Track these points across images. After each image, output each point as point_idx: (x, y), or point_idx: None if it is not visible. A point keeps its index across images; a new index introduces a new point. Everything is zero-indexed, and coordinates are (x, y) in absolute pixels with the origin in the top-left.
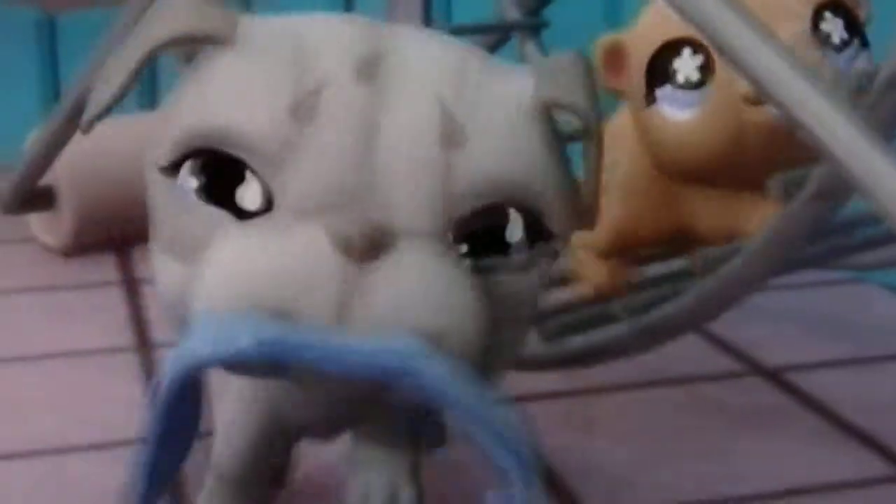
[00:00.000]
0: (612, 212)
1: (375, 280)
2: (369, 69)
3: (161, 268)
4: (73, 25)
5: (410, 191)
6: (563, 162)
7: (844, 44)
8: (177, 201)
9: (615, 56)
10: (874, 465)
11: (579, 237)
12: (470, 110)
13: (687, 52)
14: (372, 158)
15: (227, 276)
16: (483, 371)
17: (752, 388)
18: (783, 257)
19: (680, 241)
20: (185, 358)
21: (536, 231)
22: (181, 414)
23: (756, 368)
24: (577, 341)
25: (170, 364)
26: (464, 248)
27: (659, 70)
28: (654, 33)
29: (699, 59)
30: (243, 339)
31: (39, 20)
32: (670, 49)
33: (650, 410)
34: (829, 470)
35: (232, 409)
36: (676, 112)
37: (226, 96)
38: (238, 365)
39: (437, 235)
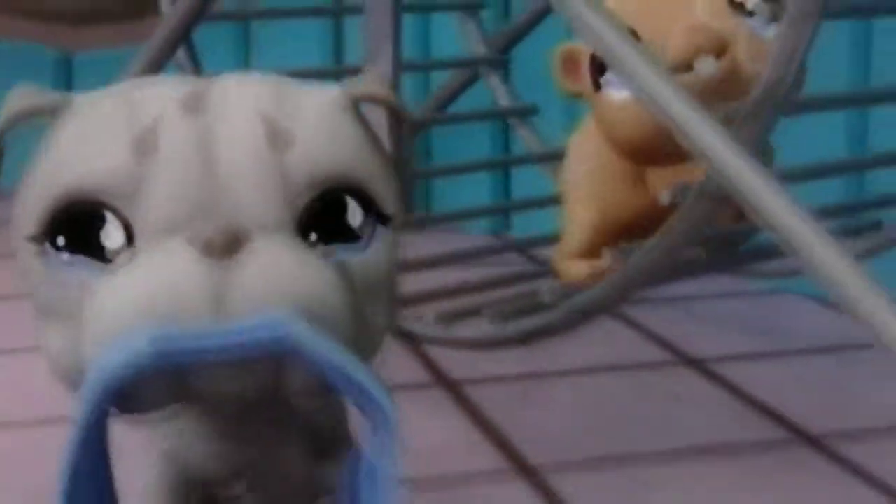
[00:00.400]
0: (586, 210)
1: (240, 272)
2: (194, 104)
3: (47, 335)
4: (88, 63)
5: (253, 191)
6: (381, 150)
7: (757, 10)
8: (50, 266)
9: (570, 61)
10: (775, 431)
11: (560, 244)
12: (291, 116)
13: None
14: (213, 173)
15: (110, 310)
16: (355, 350)
17: (680, 374)
18: (680, 250)
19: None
20: (93, 383)
21: (375, 214)
22: (96, 456)
23: (685, 359)
24: (521, 324)
25: (81, 398)
26: (313, 236)
27: (600, 60)
28: None
29: None
30: (139, 343)
31: (57, 57)
32: None
33: (597, 392)
34: (738, 434)
35: (146, 471)
36: (617, 93)
37: (75, 153)
38: (140, 377)
39: (286, 227)
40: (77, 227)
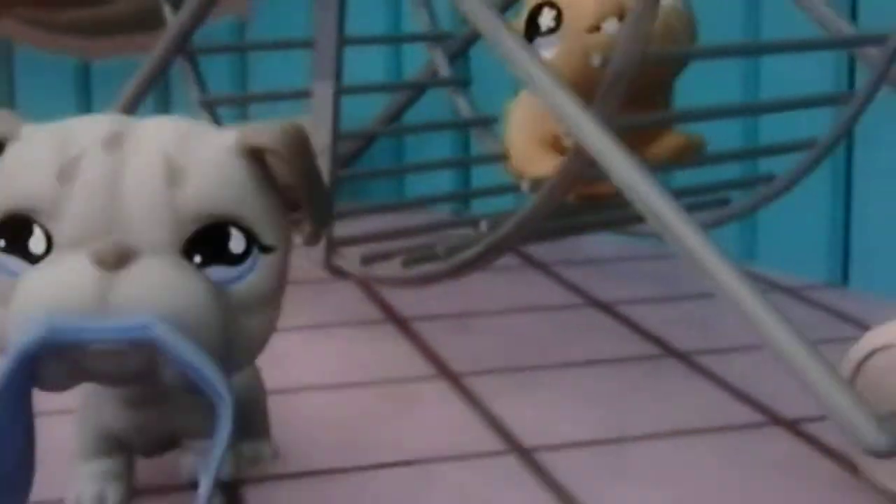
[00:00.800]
0: (525, 138)
1: (125, 281)
2: (114, 143)
3: None
4: (105, 70)
5: (146, 218)
6: (270, 191)
7: None
8: None
9: None
10: (652, 349)
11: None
12: (189, 157)
13: (546, 10)
14: (118, 201)
15: (22, 300)
16: (227, 356)
17: (588, 314)
18: (550, 210)
19: None
20: (7, 356)
21: (256, 245)
22: (14, 417)
23: (593, 302)
24: (422, 269)
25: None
26: (198, 259)
27: (531, 29)
28: (528, 5)
29: (553, 13)
30: (36, 331)
31: (77, 65)
32: (535, 11)
33: (518, 325)
34: (622, 352)
35: (76, 429)
36: (546, 53)
37: (14, 176)
38: (39, 356)
39: (172, 249)
40: (13, 234)
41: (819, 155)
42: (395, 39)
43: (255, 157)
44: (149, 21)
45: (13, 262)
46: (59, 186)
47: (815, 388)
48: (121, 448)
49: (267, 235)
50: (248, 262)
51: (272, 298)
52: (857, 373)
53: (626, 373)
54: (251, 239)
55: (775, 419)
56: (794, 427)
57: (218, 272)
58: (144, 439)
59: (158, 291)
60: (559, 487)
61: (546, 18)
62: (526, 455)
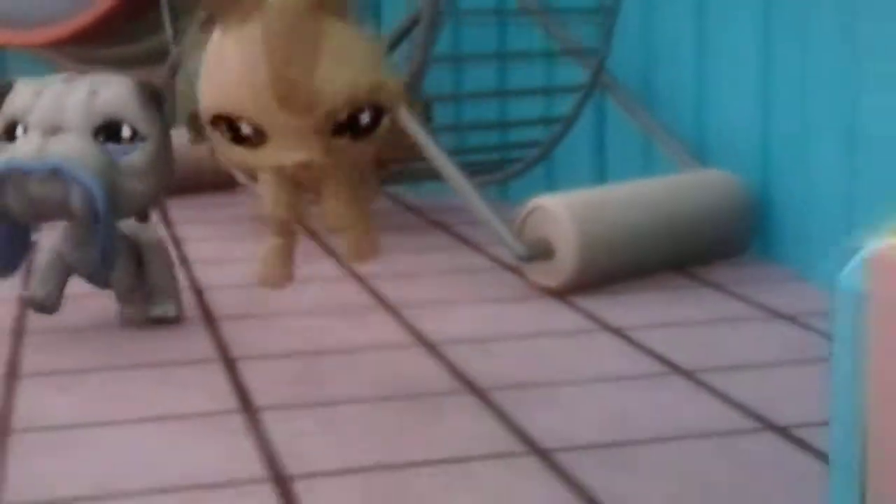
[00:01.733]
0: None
1: (54, 143)
2: (69, 79)
3: None
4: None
5: (73, 113)
6: (151, 107)
7: None
8: None
9: None
10: (484, 262)
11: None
12: (103, 85)
13: None
14: (63, 105)
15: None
16: (115, 203)
17: (411, 222)
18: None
19: None
20: None
21: (138, 136)
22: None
23: (432, 222)
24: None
25: None
26: (101, 139)
27: None
28: None
29: None
30: (2, 165)
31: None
32: None
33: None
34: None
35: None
36: None
37: (12, 101)
38: (4, 182)
39: (86, 131)
40: (8, 131)
41: (538, 155)
42: None
43: (144, 89)
44: (156, 58)
45: (6, 145)
46: (32, 99)
47: (489, 226)
48: (68, 269)
49: (144, 131)
50: (133, 146)
51: (148, 172)
52: (524, 222)
53: (465, 279)
54: (135, 132)
55: (503, 265)
56: (510, 268)
57: (114, 149)
58: (82, 267)
59: (70, 149)
60: (404, 323)
61: None
62: (394, 312)
